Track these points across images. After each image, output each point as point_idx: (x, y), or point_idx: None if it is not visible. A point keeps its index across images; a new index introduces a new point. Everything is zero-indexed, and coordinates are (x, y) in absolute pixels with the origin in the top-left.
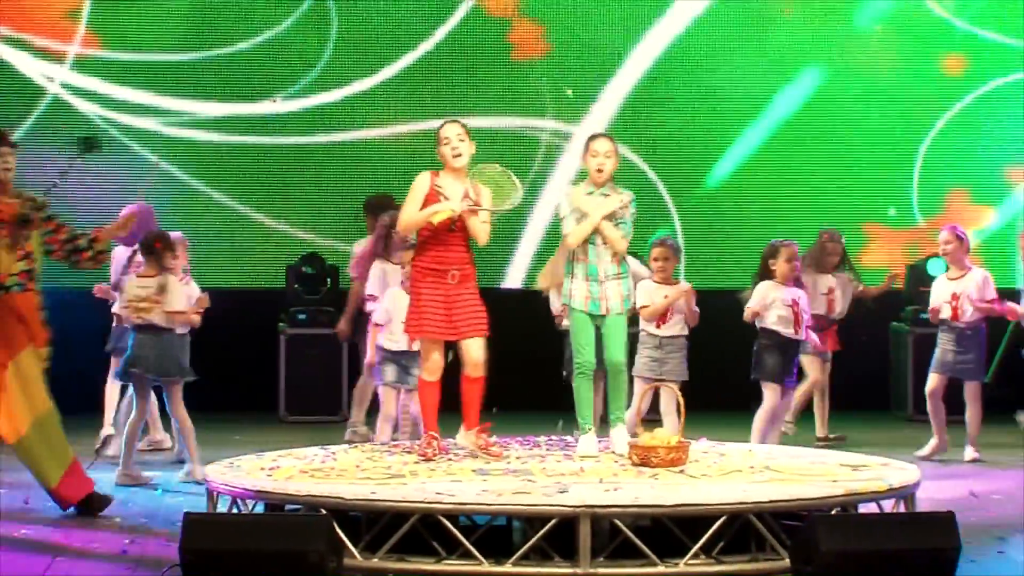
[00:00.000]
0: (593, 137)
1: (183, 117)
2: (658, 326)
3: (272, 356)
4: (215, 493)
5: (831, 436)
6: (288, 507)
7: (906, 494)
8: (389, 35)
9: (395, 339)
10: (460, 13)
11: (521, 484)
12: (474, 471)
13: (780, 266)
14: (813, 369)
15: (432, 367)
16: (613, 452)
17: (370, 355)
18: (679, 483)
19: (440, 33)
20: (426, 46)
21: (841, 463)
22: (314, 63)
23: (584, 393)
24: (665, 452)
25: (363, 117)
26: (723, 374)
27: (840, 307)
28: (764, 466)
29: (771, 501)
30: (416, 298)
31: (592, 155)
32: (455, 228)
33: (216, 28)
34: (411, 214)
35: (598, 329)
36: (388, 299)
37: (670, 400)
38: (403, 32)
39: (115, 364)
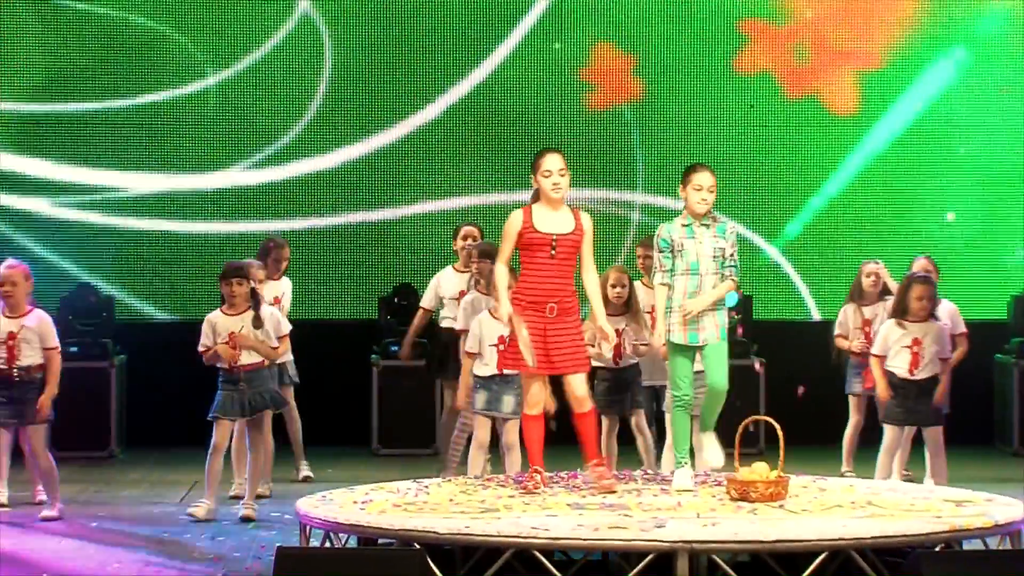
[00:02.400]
0: (695, 168)
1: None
2: (615, 362)
3: (364, 389)
4: (308, 527)
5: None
6: (381, 541)
7: (1012, 530)
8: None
9: (485, 363)
10: None
11: (617, 518)
12: (569, 505)
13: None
14: (857, 410)
15: (532, 400)
16: (705, 460)
17: (461, 398)
18: (779, 518)
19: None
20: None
21: (945, 499)
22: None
23: (680, 426)
24: (764, 487)
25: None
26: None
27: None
28: (866, 501)
29: (873, 537)
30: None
31: (695, 188)
32: (555, 256)
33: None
34: (500, 272)
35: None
36: (476, 326)
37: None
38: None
39: None
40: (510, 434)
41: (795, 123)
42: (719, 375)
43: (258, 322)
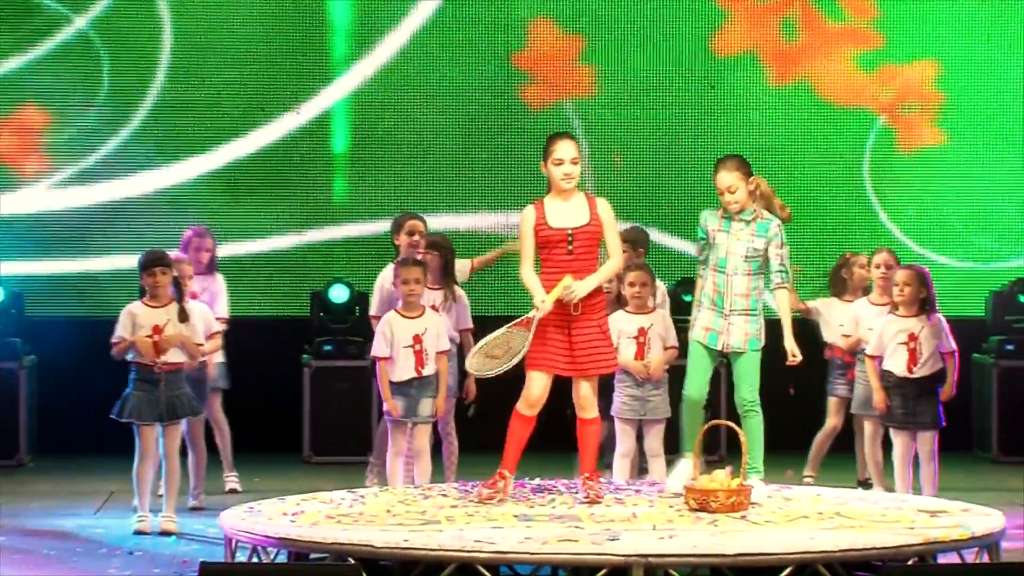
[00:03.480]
0: (719, 163)
1: None
2: (639, 355)
3: (295, 391)
4: (233, 541)
5: (868, 478)
6: (313, 556)
7: (990, 543)
8: None
9: (400, 367)
10: None
11: (567, 531)
12: (516, 516)
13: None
14: (835, 413)
15: (533, 399)
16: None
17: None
18: (740, 530)
19: None
20: None
21: (918, 509)
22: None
23: (685, 423)
24: (725, 496)
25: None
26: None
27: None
28: (834, 512)
29: (842, 550)
30: (540, 328)
31: (718, 192)
32: (573, 252)
33: None
34: (526, 275)
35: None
36: (385, 327)
37: (656, 441)
38: None
39: None
40: (420, 438)
41: (783, 113)
42: (744, 387)
43: (184, 315)
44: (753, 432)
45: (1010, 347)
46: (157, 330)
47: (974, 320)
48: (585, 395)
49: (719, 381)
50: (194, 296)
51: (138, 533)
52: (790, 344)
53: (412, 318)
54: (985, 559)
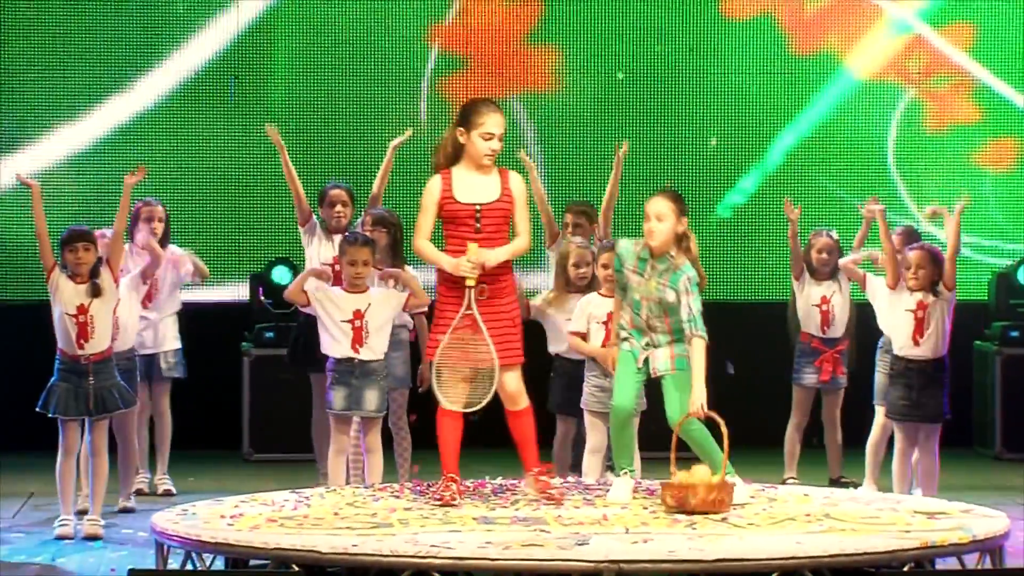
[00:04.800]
0: (658, 192)
1: None
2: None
3: (234, 382)
4: (165, 545)
5: (844, 478)
6: (253, 562)
7: (993, 546)
8: None
9: (337, 342)
10: None
11: (532, 535)
12: (476, 519)
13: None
14: (800, 406)
15: (453, 394)
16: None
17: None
18: (721, 533)
19: None
20: None
21: (915, 510)
22: None
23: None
24: (706, 491)
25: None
26: None
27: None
28: (823, 513)
29: (831, 555)
30: (438, 313)
31: (645, 218)
32: (480, 230)
33: None
34: (421, 246)
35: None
36: (323, 299)
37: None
38: None
39: None
40: (372, 435)
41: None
42: (674, 410)
43: (96, 290)
44: (700, 440)
45: (1014, 334)
46: (82, 309)
47: (975, 304)
48: (508, 386)
49: None
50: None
51: (60, 538)
52: (700, 394)
53: (354, 293)
54: (988, 564)
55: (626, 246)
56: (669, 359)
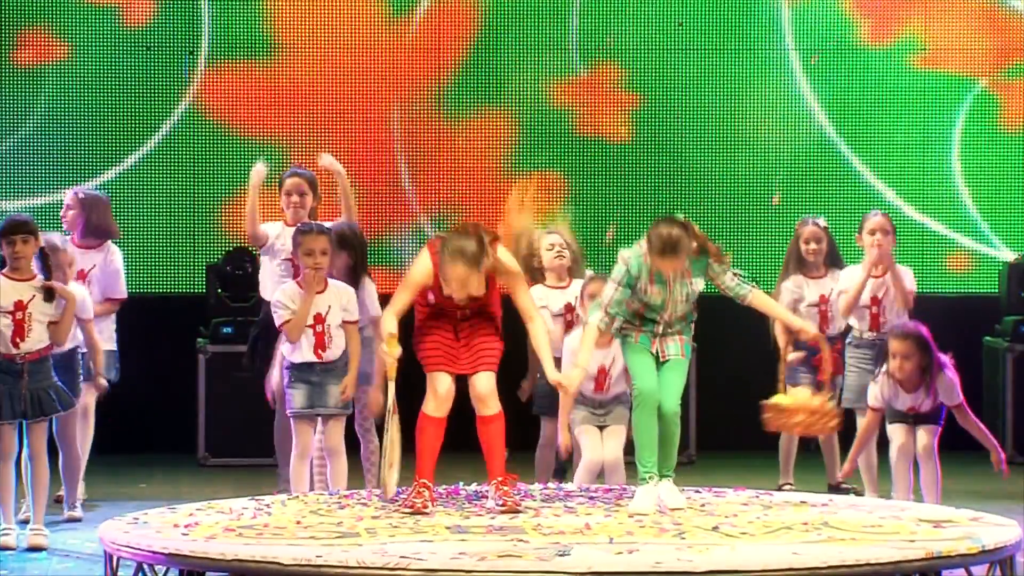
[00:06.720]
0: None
1: None
2: (599, 389)
3: (189, 381)
4: (115, 557)
5: (842, 482)
6: (209, 574)
7: (1003, 557)
8: None
9: (299, 347)
10: None
11: (508, 545)
12: (449, 528)
13: None
14: None
15: (439, 399)
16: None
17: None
18: (711, 543)
19: None
20: None
21: (920, 518)
22: None
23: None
24: (807, 415)
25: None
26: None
27: (839, 320)
28: (821, 522)
29: (830, 567)
30: (426, 327)
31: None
32: (460, 322)
33: None
34: (386, 325)
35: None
36: (284, 297)
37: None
38: None
39: None
40: (333, 435)
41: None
42: (669, 399)
43: (50, 294)
44: (676, 440)
45: None
46: (20, 305)
47: (985, 298)
48: (479, 388)
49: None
50: (82, 276)
51: (1, 549)
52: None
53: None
54: (998, 575)
55: (636, 262)
56: (679, 344)
